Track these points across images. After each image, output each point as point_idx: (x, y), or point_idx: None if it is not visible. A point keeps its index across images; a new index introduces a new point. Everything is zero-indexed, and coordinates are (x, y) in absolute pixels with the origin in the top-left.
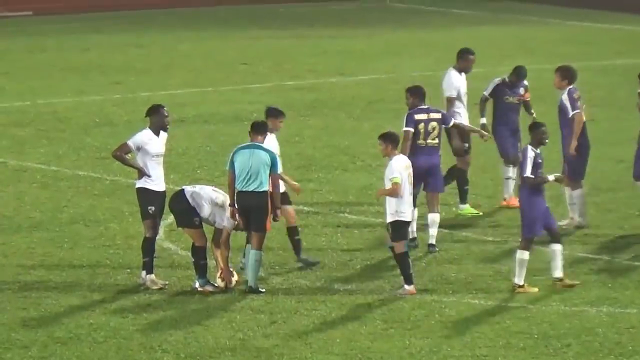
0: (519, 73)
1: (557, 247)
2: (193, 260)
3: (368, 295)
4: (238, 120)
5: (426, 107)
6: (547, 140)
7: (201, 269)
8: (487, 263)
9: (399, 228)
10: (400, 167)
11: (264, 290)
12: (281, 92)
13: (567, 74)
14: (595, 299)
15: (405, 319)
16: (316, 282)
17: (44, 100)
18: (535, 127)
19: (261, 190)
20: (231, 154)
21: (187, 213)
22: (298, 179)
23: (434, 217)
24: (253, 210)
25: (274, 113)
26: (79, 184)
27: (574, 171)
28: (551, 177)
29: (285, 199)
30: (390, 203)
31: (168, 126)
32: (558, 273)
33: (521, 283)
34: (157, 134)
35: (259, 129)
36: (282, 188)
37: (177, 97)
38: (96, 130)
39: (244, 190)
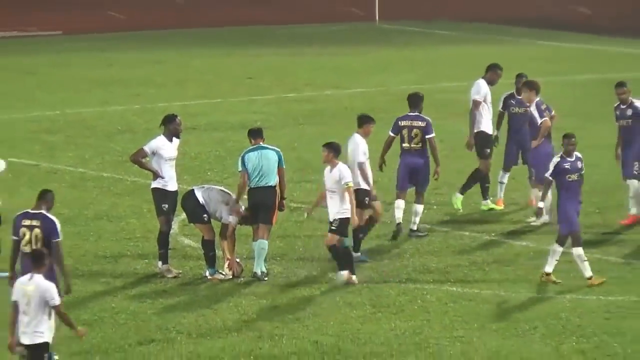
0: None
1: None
2: (203, 251)
3: (358, 284)
4: (244, 128)
5: (414, 114)
6: (571, 148)
7: (210, 260)
8: (463, 255)
9: (344, 224)
10: (349, 173)
11: (267, 278)
12: (282, 103)
13: (534, 86)
14: (560, 287)
15: (391, 304)
16: (312, 271)
17: (72, 110)
18: (564, 137)
19: (271, 184)
20: (240, 157)
21: (197, 210)
22: (297, 180)
23: (417, 208)
24: (263, 204)
25: (366, 120)
26: (103, 184)
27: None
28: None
29: (369, 195)
30: (337, 203)
31: (181, 133)
32: (587, 273)
33: (549, 271)
34: (171, 140)
35: (257, 133)
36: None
37: (190, 108)
38: (118, 137)
39: (257, 186)
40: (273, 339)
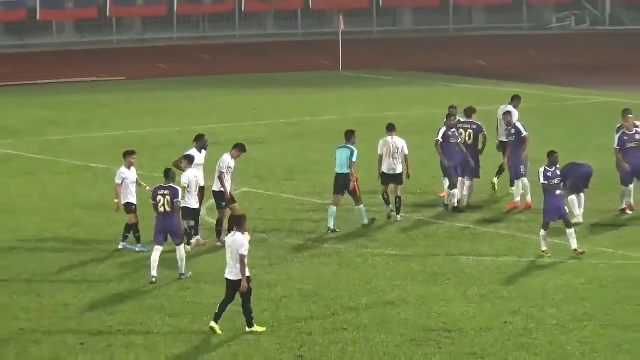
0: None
1: (570, 230)
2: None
3: (329, 250)
4: (250, 143)
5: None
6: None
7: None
8: (402, 230)
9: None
10: (190, 175)
11: (338, 230)
12: (276, 126)
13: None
14: (466, 250)
15: (351, 264)
16: (298, 241)
17: (132, 131)
18: (550, 153)
19: (346, 172)
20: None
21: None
22: (286, 179)
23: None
24: (345, 184)
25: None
26: (155, 183)
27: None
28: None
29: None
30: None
31: (207, 147)
32: (574, 245)
33: (544, 249)
34: (200, 151)
35: (346, 135)
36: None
37: (213, 129)
38: (164, 149)
39: (339, 172)
40: (270, 287)
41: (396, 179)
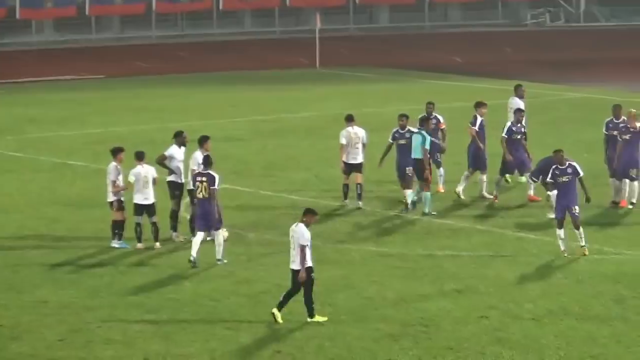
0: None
1: (580, 231)
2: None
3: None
4: (229, 140)
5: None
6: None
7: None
8: (378, 225)
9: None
10: (136, 172)
11: (435, 213)
12: (254, 123)
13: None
14: (440, 246)
15: (329, 259)
16: (275, 237)
17: (112, 128)
18: (556, 152)
19: (418, 157)
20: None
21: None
22: (264, 175)
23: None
24: (420, 169)
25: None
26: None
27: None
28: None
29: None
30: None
31: (186, 143)
32: (582, 243)
33: (562, 248)
34: (180, 148)
35: (422, 121)
36: None
37: (193, 126)
38: (144, 147)
39: (413, 157)
40: (248, 282)
41: (357, 167)
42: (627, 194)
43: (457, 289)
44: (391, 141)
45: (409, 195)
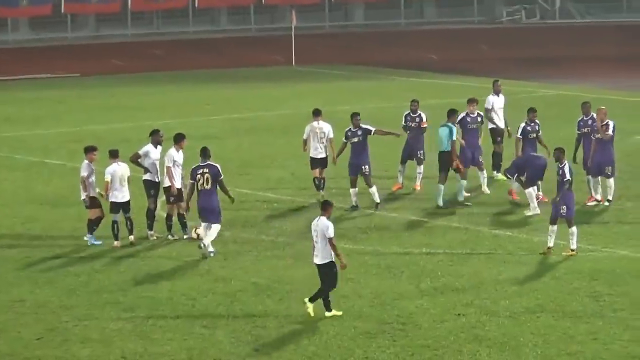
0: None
1: (571, 229)
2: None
3: (282, 242)
4: (205, 138)
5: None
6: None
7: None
8: (352, 222)
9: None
10: (111, 170)
11: (470, 203)
12: (230, 121)
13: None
14: (417, 243)
15: (305, 257)
16: (251, 235)
17: (87, 127)
18: (557, 150)
19: (445, 150)
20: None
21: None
22: (240, 173)
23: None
24: (447, 161)
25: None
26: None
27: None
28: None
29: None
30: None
31: (162, 142)
32: (572, 245)
33: (550, 245)
34: (155, 146)
35: (450, 113)
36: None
37: (169, 125)
38: (119, 145)
39: (441, 150)
40: (225, 280)
41: (321, 162)
42: (600, 191)
43: (433, 286)
44: (345, 140)
45: (374, 192)
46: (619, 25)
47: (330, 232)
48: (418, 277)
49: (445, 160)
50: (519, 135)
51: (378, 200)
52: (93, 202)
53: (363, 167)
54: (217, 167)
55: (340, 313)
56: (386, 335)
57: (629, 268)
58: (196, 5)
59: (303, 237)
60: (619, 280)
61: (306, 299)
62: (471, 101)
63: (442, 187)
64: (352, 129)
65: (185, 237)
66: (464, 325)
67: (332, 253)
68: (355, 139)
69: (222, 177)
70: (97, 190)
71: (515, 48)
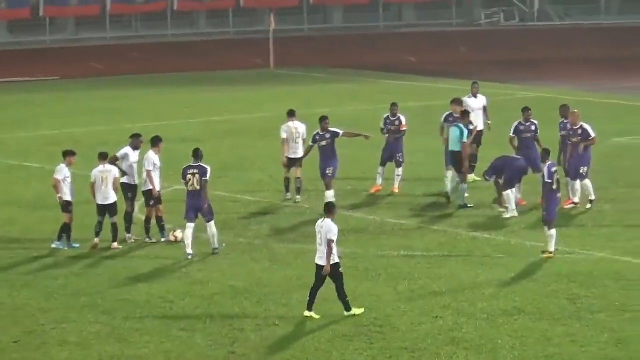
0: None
1: (550, 232)
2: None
3: (259, 245)
4: (183, 141)
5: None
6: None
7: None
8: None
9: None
10: (94, 173)
11: (471, 205)
12: (209, 124)
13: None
14: (395, 245)
15: (282, 260)
16: (229, 238)
17: (66, 130)
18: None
19: (456, 149)
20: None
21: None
22: (218, 176)
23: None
24: (457, 160)
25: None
26: (88, 181)
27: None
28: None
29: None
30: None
31: (141, 147)
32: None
33: (551, 250)
34: (134, 150)
35: (463, 115)
36: None
37: (148, 128)
38: (98, 148)
39: (451, 150)
40: (202, 283)
41: (298, 162)
42: (579, 194)
43: (411, 289)
44: (312, 144)
45: (329, 196)
46: (598, 28)
47: (332, 235)
48: (395, 279)
49: (456, 159)
50: (512, 134)
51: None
52: (65, 207)
53: (328, 169)
54: (207, 169)
55: (362, 310)
56: (363, 338)
57: (607, 270)
58: (175, 8)
59: (280, 240)
60: (596, 283)
61: (346, 311)
62: (455, 102)
63: (465, 186)
64: (320, 133)
65: (163, 240)
66: (442, 327)
67: (336, 254)
68: (324, 143)
69: (206, 178)
70: (64, 197)
71: (494, 50)
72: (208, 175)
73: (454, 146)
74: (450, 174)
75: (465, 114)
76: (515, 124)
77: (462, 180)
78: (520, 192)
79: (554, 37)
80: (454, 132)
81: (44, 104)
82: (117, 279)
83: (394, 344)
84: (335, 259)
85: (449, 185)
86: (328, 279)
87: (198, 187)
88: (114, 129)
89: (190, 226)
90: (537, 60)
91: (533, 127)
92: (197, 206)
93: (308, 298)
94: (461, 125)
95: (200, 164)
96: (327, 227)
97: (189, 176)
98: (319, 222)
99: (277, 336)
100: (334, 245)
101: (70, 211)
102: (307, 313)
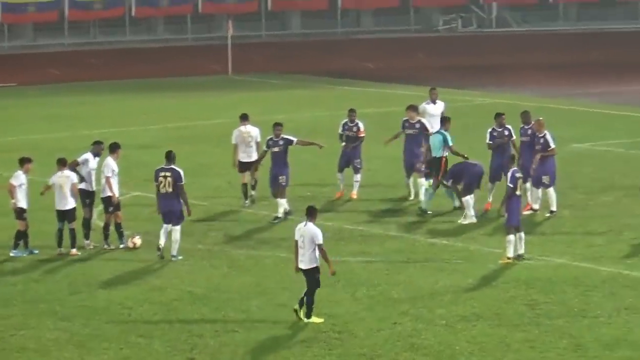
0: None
1: (508, 237)
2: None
3: (218, 251)
4: (142, 147)
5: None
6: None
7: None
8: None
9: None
10: (53, 179)
11: (430, 212)
12: (167, 131)
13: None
14: (352, 251)
15: (241, 266)
16: (187, 244)
17: (25, 136)
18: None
19: (439, 155)
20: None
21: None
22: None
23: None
24: (437, 166)
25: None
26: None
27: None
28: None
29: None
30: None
31: (101, 152)
32: (520, 251)
33: (509, 256)
34: (95, 156)
35: (443, 120)
36: None
37: (105, 134)
38: (56, 154)
39: (435, 156)
40: (161, 290)
41: (250, 166)
42: (540, 201)
43: (369, 295)
44: (265, 149)
45: (282, 204)
46: (555, 34)
47: (319, 240)
48: (354, 285)
49: (436, 166)
50: (488, 141)
51: (280, 215)
52: (19, 214)
53: (280, 177)
54: (180, 172)
55: (321, 320)
56: (322, 344)
57: (566, 276)
58: (133, 14)
59: (239, 246)
60: (555, 289)
61: (296, 306)
62: (411, 108)
63: (433, 193)
64: (273, 139)
65: (121, 246)
66: (400, 333)
67: (318, 258)
68: (276, 149)
69: (182, 182)
70: (17, 203)
71: (452, 56)
72: (183, 179)
73: (435, 152)
74: (412, 181)
75: (446, 119)
76: (489, 130)
77: (434, 186)
78: (491, 196)
79: (511, 43)
80: (436, 138)
81: (2, 110)
82: (76, 285)
83: (353, 350)
84: (316, 262)
85: (423, 199)
86: (304, 280)
87: (170, 190)
88: (73, 135)
89: (167, 227)
90: (495, 66)
91: (507, 132)
92: (167, 208)
93: (306, 305)
94: (443, 132)
95: (172, 166)
96: (312, 233)
97: (161, 178)
98: (300, 225)
99: (235, 342)
100: (324, 248)
101: (25, 218)
102: (306, 320)
